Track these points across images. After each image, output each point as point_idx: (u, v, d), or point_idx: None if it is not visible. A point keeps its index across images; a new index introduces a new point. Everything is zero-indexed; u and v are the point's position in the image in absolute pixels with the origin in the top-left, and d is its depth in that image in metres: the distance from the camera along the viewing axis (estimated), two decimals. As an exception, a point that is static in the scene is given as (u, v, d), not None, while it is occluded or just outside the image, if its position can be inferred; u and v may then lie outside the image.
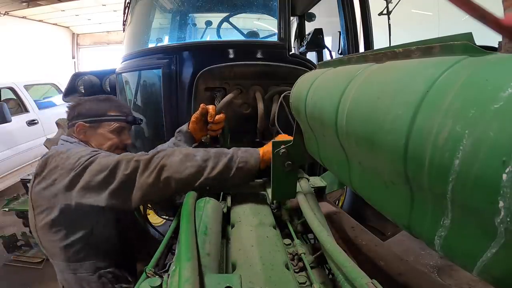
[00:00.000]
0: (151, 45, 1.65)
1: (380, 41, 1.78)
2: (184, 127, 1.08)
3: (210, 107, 1.04)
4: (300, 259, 0.62)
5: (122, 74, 1.64)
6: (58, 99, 4.34)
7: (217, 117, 1.05)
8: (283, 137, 0.92)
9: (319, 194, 0.93)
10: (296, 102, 0.64)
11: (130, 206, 0.78)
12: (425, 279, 0.61)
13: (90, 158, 0.80)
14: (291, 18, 2.55)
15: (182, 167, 0.76)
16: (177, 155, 0.78)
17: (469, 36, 0.27)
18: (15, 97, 3.74)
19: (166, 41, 1.80)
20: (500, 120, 0.19)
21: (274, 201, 0.83)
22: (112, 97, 1.12)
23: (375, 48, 1.11)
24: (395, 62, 0.37)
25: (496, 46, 0.36)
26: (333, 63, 0.58)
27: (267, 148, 0.81)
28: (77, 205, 0.79)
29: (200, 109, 1.04)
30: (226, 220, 0.79)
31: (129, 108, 1.16)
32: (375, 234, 0.79)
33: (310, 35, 2.16)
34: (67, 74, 2.27)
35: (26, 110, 3.76)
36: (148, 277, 0.48)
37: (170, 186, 0.76)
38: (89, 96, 1.15)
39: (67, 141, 0.99)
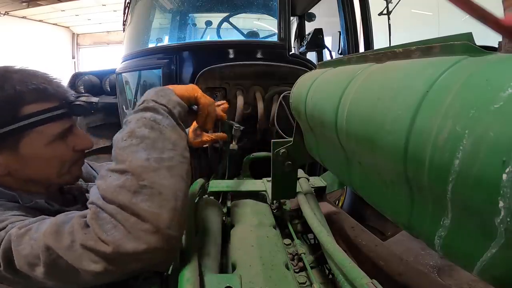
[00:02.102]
0: (151, 45, 1.64)
1: (380, 41, 1.78)
2: None
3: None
4: (300, 259, 0.62)
5: (122, 74, 1.64)
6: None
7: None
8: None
9: (319, 194, 0.93)
10: (296, 102, 0.64)
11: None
12: (425, 279, 0.61)
13: None
14: (291, 18, 2.55)
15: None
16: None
17: (469, 36, 0.27)
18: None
19: (166, 41, 1.80)
20: (500, 120, 0.19)
21: (274, 201, 0.83)
22: (11, 68, 0.56)
23: (375, 48, 1.11)
24: (395, 62, 0.37)
25: (496, 46, 0.36)
26: (333, 63, 0.58)
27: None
28: None
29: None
30: (226, 220, 0.79)
31: (60, 83, 0.60)
32: (375, 234, 0.79)
33: (310, 35, 2.16)
34: (67, 74, 2.27)
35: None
36: (148, 277, 0.48)
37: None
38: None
39: None
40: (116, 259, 0.40)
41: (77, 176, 0.65)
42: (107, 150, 1.72)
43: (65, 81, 0.67)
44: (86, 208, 0.48)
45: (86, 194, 0.69)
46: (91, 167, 0.80)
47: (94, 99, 0.73)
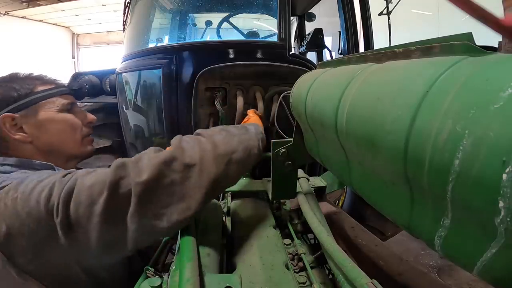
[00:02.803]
0: (151, 45, 1.64)
1: (380, 41, 1.78)
2: None
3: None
4: (300, 259, 0.62)
5: (122, 74, 1.64)
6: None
7: None
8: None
9: (319, 194, 0.93)
10: (296, 102, 0.64)
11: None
12: (425, 279, 0.61)
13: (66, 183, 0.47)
14: (291, 18, 2.55)
15: (233, 144, 0.57)
16: (215, 134, 0.58)
17: (469, 36, 0.27)
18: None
19: (166, 41, 1.80)
20: (500, 120, 0.19)
21: (274, 201, 0.83)
22: (19, 73, 0.72)
23: (375, 48, 1.12)
24: (395, 62, 0.37)
25: (496, 46, 0.36)
26: (333, 63, 0.58)
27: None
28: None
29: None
30: (226, 220, 0.79)
31: (54, 78, 0.76)
32: (375, 234, 0.79)
33: (310, 35, 2.16)
34: (67, 74, 2.27)
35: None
36: (148, 277, 0.48)
37: (235, 171, 0.56)
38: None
39: None
40: (172, 160, 0.48)
41: (90, 151, 0.76)
42: (107, 150, 1.71)
43: (65, 81, 0.84)
44: None
45: None
46: None
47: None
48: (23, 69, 0.73)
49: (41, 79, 0.71)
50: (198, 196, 0.49)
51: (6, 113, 0.63)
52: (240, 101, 1.15)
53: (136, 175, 0.46)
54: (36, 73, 0.74)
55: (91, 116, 0.77)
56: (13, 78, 0.69)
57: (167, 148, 0.52)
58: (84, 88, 0.80)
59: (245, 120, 0.96)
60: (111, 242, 0.48)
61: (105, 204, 0.45)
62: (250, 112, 1.00)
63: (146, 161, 0.48)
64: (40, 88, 0.69)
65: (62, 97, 0.71)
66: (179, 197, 0.48)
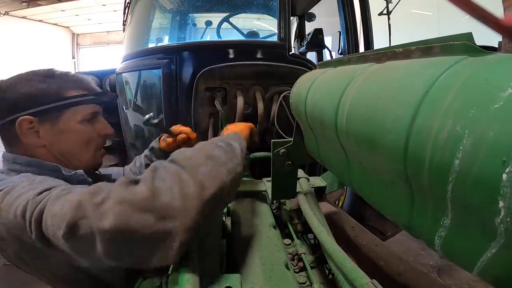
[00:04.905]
0: (151, 45, 1.64)
1: (380, 41, 1.78)
2: (155, 144, 0.92)
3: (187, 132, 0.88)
4: (300, 259, 0.62)
5: (122, 74, 1.64)
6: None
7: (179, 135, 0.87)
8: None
9: (319, 194, 0.93)
10: (296, 102, 0.64)
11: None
12: (425, 279, 0.61)
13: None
14: (291, 18, 2.55)
15: (222, 177, 0.47)
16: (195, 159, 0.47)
17: (469, 36, 0.27)
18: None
19: (166, 41, 1.80)
20: (500, 120, 0.19)
21: (274, 201, 0.83)
22: (56, 69, 0.70)
23: (375, 48, 1.12)
24: (395, 62, 0.37)
25: (496, 46, 0.36)
26: (333, 63, 0.58)
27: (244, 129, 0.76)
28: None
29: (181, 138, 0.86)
30: (226, 220, 0.79)
31: (91, 80, 0.75)
32: (375, 234, 0.79)
33: (310, 35, 2.16)
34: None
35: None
36: (147, 277, 0.48)
37: (223, 207, 0.56)
38: None
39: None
40: (143, 208, 0.38)
41: (99, 163, 0.75)
42: (107, 150, 1.71)
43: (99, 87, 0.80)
44: None
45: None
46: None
47: (114, 94, 0.83)
48: (61, 67, 0.71)
49: (75, 83, 0.68)
50: (176, 246, 0.40)
51: (25, 116, 0.60)
52: (240, 101, 1.15)
53: (97, 220, 0.38)
54: (73, 73, 0.71)
55: (109, 130, 0.74)
56: (48, 75, 0.65)
57: (141, 181, 0.42)
58: (111, 96, 0.73)
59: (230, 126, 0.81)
60: (93, 260, 0.43)
61: (66, 242, 0.41)
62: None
63: (111, 205, 0.39)
64: (71, 93, 0.66)
65: (88, 107, 0.68)
66: (152, 248, 0.40)
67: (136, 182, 0.42)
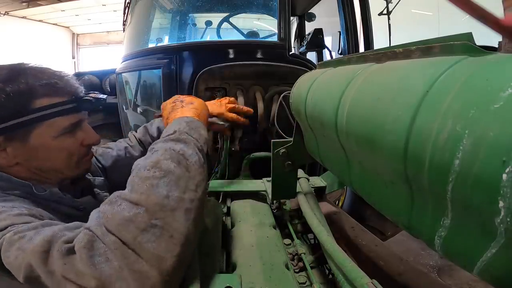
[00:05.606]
0: (151, 45, 1.65)
1: (380, 41, 1.78)
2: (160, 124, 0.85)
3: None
4: (300, 259, 0.62)
5: (122, 74, 1.65)
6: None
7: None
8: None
9: (319, 194, 0.93)
10: (296, 102, 0.64)
11: None
12: (425, 279, 0.61)
13: None
14: (291, 18, 2.55)
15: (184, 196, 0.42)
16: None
17: (469, 36, 0.27)
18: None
19: (166, 41, 1.80)
20: (500, 120, 0.19)
21: (274, 201, 0.83)
22: (25, 65, 0.59)
23: (375, 48, 1.11)
24: (395, 62, 0.37)
25: (496, 46, 0.36)
26: (333, 63, 0.58)
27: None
28: None
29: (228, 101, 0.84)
30: (226, 220, 0.79)
31: (70, 80, 0.62)
32: (375, 234, 0.79)
33: (310, 35, 2.16)
34: (67, 74, 2.27)
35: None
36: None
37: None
38: None
39: None
40: None
41: (86, 169, 0.67)
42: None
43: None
44: (97, 200, 0.51)
45: (94, 189, 0.71)
46: (96, 159, 0.81)
47: (102, 96, 0.72)
48: (30, 62, 0.61)
49: (48, 88, 0.55)
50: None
51: None
52: (240, 101, 1.15)
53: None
54: (43, 65, 0.60)
55: (93, 138, 0.63)
56: (11, 78, 0.53)
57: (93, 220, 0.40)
58: (97, 99, 0.64)
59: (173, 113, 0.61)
60: None
61: (24, 281, 0.40)
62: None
63: (59, 277, 0.37)
64: (42, 102, 0.54)
65: (67, 117, 0.57)
66: None
67: (72, 252, 0.38)
